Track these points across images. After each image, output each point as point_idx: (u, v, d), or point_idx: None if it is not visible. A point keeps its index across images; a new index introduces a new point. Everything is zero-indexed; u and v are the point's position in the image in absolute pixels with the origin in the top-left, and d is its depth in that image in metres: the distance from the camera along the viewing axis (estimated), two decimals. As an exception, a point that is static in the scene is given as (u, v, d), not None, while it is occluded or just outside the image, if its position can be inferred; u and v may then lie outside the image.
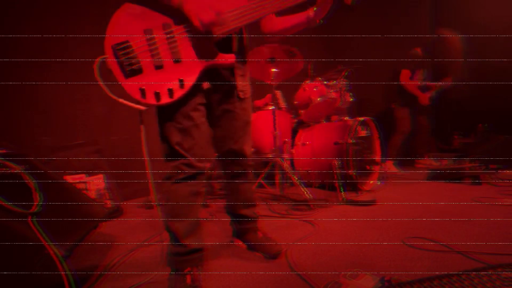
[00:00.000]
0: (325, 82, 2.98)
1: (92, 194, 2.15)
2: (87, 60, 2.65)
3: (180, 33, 1.04)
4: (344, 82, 2.99)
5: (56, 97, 2.43)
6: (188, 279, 1.08)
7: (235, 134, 1.28)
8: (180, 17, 1.02)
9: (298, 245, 1.46)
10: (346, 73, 3.03)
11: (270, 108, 2.62)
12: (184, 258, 1.12)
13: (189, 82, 1.05)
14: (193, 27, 1.01)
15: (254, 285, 1.11)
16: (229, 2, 1.05)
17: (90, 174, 2.20)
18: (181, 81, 1.03)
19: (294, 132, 3.00)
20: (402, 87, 3.45)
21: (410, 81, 3.42)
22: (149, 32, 1.00)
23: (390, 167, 3.47)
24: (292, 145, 2.89)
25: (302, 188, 2.26)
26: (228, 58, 1.09)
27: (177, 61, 1.03)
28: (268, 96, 2.91)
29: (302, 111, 2.97)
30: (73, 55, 2.51)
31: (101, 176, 2.25)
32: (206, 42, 1.06)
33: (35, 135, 2.29)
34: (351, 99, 3.10)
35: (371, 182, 2.71)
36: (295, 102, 3.06)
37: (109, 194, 2.24)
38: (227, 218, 1.52)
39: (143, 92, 0.99)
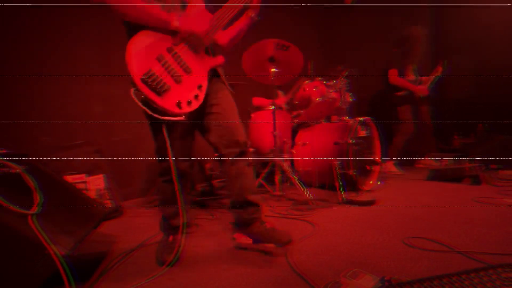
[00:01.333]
0: (325, 82, 2.98)
1: (92, 194, 2.15)
2: (86, 59, 2.66)
3: (180, 51, 1.27)
4: (344, 82, 2.99)
5: (56, 97, 2.43)
6: (170, 239, 1.45)
7: (228, 114, 1.41)
8: (176, 38, 1.27)
9: (298, 245, 1.47)
10: (346, 73, 3.02)
11: (270, 108, 2.62)
12: (168, 229, 1.48)
13: (204, 85, 1.32)
14: (189, 42, 1.29)
15: (254, 285, 1.11)
16: (206, 17, 1.33)
17: (90, 174, 2.20)
18: (199, 86, 1.30)
19: (294, 132, 3.00)
20: (393, 88, 3.47)
21: (399, 79, 3.43)
22: (161, 58, 1.21)
23: (390, 167, 3.47)
24: (292, 145, 2.89)
25: (302, 188, 2.26)
26: (219, 60, 1.40)
27: (188, 72, 1.28)
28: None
29: (302, 111, 2.97)
30: (72, 53, 2.51)
31: (101, 176, 2.25)
32: (200, 52, 1.34)
33: (35, 135, 2.28)
34: (351, 99, 3.10)
35: (371, 182, 2.71)
36: (295, 102, 3.06)
37: (109, 194, 2.24)
38: (227, 218, 1.51)
39: (179, 104, 1.21)
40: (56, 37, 2.43)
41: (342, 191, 2.29)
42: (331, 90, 2.92)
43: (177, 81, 1.23)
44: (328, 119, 3.11)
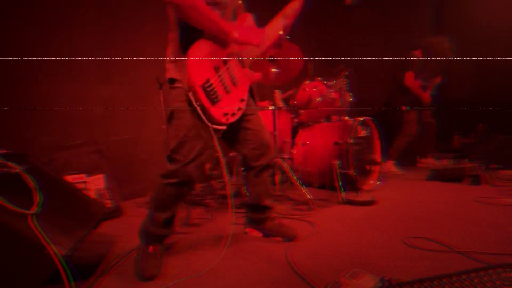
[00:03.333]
0: (325, 82, 2.97)
1: (92, 194, 2.15)
2: (88, 59, 2.66)
3: (232, 64, 1.35)
4: (344, 82, 2.99)
5: (57, 97, 2.43)
6: (151, 249, 1.33)
7: (262, 132, 1.51)
8: (229, 50, 1.33)
9: (298, 245, 1.47)
10: (346, 73, 3.02)
11: (270, 108, 2.61)
12: (152, 237, 1.37)
13: (245, 98, 1.39)
14: (239, 56, 1.38)
15: (254, 285, 1.11)
16: (257, 30, 1.38)
17: (90, 174, 2.20)
18: (242, 99, 1.37)
19: (294, 132, 2.99)
20: (405, 89, 3.46)
21: (414, 82, 3.42)
22: (218, 69, 1.27)
23: (390, 167, 3.46)
24: (292, 145, 2.89)
25: (302, 188, 2.26)
26: (257, 75, 1.47)
27: (235, 85, 1.35)
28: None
29: (302, 111, 2.97)
30: (71, 52, 2.51)
31: (101, 176, 2.25)
32: (245, 67, 1.43)
33: (35, 135, 2.28)
34: (351, 99, 3.10)
35: (371, 182, 2.71)
36: (295, 102, 3.06)
37: (109, 194, 2.24)
38: (226, 218, 1.51)
39: (226, 115, 1.27)
40: (56, 36, 2.43)
41: (342, 191, 2.29)
42: (331, 90, 2.91)
43: (227, 92, 1.30)
44: (328, 119, 3.10)
